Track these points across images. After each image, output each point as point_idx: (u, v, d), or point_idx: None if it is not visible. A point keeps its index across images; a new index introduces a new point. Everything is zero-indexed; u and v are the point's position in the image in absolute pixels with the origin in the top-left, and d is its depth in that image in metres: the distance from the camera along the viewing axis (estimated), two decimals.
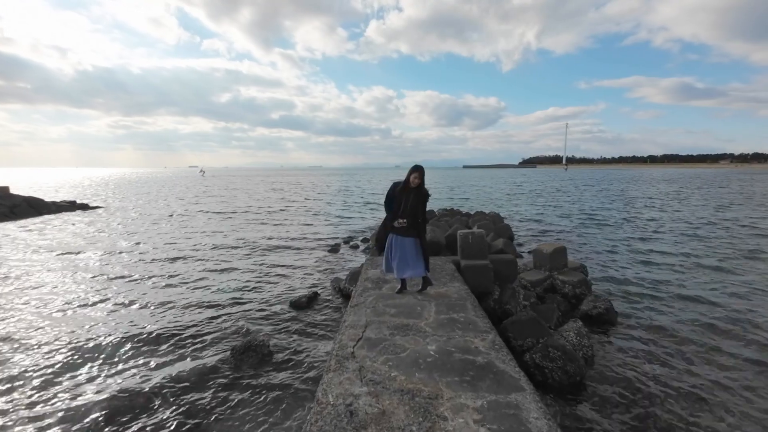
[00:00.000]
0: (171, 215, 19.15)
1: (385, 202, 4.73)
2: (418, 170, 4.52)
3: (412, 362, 2.76)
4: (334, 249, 10.94)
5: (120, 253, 10.71)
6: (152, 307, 6.62)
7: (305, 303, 6.76)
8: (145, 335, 5.54)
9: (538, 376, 4.44)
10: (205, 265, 9.37)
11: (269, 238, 12.80)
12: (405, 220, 4.52)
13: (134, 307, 6.67)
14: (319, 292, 7.30)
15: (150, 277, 8.39)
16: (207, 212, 20.66)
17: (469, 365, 2.72)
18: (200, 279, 8.28)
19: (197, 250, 10.96)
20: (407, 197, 4.57)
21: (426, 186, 4.68)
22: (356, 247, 11.33)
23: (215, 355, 5.00)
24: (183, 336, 5.51)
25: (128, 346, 5.24)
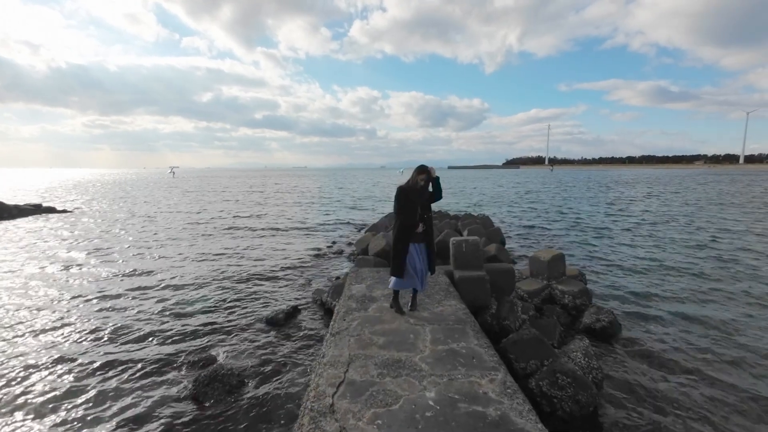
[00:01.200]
0: (139, 221, 18.09)
1: (400, 210, 4.24)
2: (426, 171, 4.18)
3: (407, 419, 2.18)
4: (316, 255, 10.28)
5: (77, 263, 9.79)
6: (105, 329, 5.84)
7: (283, 320, 6.10)
8: (94, 361, 4.79)
9: (545, 407, 3.91)
10: (171, 277, 8.57)
11: (245, 246, 11.97)
12: (423, 225, 4.19)
13: (84, 328, 5.87)
14: (299, 306, 6.65)
15: (105, 293, 7.56)
16: (179, 218, 19.64)
17: (480, 422, 2.15)
18: (165, 294, 7.49)
19: (164, 263, 10.12)
20: (421, 201, 4.23)
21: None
22: (340, 252, 10.69)
23: (174, 386, 4.31)
24: (138, 364, 4.78)
25: (73, 375, 4.49)
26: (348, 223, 17.29)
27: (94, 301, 7.03)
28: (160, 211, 22.01)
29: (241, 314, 6.47)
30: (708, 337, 5.52)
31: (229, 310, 6.61)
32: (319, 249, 11.18)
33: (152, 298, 7.22)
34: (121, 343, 5.35)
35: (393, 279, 4.26)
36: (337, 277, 8.31)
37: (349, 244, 11.85)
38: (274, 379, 4.44)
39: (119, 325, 5.97)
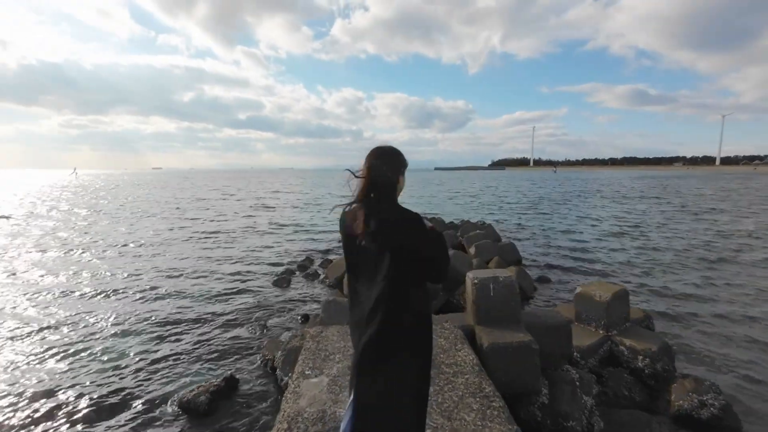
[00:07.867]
0: (74, 232, 15.41)
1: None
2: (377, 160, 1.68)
3: None
4: (281, 281, 7.94)
5: None
6: None
7: (205, 405, 3.83)
8: None
9: None
10: (66, 318, 6.17)
11: (181, 273, 8.78)
12: (379, 314, 1.52)
13: None
14: (237, 374, 4.39)
15: None
16: (124, 229, 16.99)
17: None
18: (44, 342, 5.11)
19: (69, 292, 7.68)
20: (367, 246, 1.58)
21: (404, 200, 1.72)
22: (314, 276, 8.39)
23: None
24: None
25: None
26: (328, 228, 14.94)
27: None
28: (119, 221, 19.25)
29: (146, 389, 4.19)
30: None
31: (132, 377, 4.32)
32: (289, 269, 8.86)
33: (22, 348, 4.82)
34: None
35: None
36: (305, 316, 6.07)
37: (326, 263, 9.53)
38: None
39: None
